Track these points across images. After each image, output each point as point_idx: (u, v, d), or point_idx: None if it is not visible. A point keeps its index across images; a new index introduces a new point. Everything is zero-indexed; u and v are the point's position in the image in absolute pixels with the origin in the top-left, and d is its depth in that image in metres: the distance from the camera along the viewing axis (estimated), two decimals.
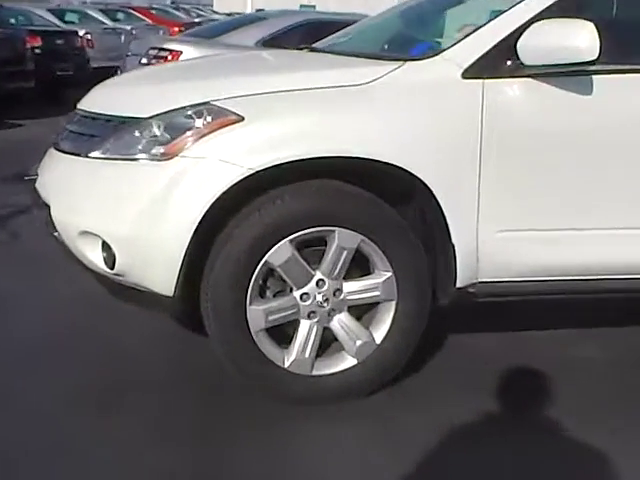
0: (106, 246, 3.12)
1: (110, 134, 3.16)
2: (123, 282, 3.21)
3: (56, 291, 4.50)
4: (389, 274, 3.27)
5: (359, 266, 3.31)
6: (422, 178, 3.15)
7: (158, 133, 3.07)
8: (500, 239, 3.31)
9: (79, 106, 3.57)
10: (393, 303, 3.32)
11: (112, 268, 3.14)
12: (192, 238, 3.01)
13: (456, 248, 3.26)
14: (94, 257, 3.18)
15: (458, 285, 3.34)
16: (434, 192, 3.17)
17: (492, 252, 3.32)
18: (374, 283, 3.30)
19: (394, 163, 3.11)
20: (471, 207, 3.24)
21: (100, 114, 3.33)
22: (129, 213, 3.04)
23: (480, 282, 3.38)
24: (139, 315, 3.86)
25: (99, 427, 3.13)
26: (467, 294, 3.39)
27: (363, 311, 3.41)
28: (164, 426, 3.16)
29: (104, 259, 3.16)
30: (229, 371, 3.27)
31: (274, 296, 3.28)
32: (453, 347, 3.96)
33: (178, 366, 3.67)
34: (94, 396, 3.36)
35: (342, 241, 3.19)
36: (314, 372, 3.32)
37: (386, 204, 3.23)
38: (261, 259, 3.13)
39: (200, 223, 3.00)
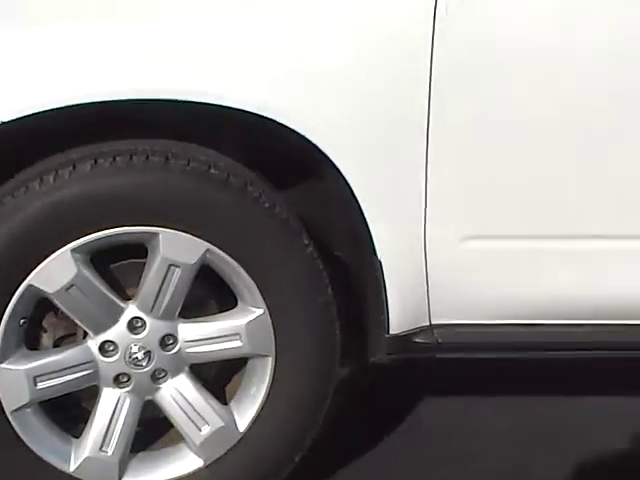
0: None
1: None
2: None
3: None
4: (259, 311, 1.87)
5: (215, 297, 1.94)
6: (320, 145, 1.78)
7: None
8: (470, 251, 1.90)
9: None
10: (268, 362, 1.90)
11: None
12: None
13: (385, 267, 1.87)
14: None
15: (393, 331, 1.94)
16: (340, 168, 1.80)
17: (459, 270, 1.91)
18: (232, 326, 1.89)
19: (268, 115, 1.74)
20: (412, 194, 1.84)
21: None
22: None
23: (435, 325, 1.95)
24: None
25: None
26: (412, 346, 1.97)
27: (219, 374, 2.00)
28: None
29: None
30: None
31: (55, 345, 1.90)
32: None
33: None
34: None
35: (171, 252, 1.80)
36: None
37: (256, 187, 1.84)
38: (21, 281, 1.77)
39: None
